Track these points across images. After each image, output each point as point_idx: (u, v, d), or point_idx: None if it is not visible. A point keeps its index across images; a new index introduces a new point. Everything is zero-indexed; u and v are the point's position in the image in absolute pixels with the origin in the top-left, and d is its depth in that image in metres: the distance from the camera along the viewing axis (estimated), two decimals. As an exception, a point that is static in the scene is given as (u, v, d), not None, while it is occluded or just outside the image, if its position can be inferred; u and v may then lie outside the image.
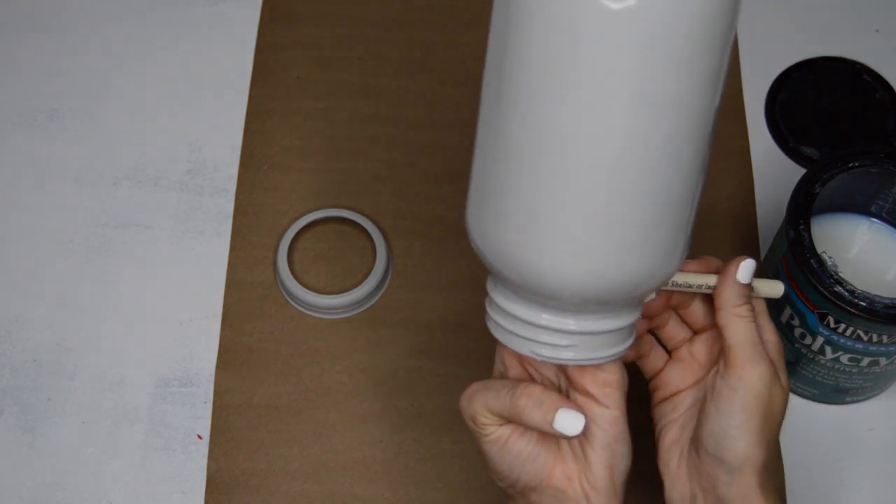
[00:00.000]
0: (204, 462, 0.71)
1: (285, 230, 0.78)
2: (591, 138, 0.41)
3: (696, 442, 0.51)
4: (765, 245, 0.77)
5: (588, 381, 0.49)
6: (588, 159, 0.41)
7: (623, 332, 0.48)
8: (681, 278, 0.51)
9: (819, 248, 0.62)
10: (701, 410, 0.51)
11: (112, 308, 0.76)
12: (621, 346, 0.48)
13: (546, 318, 0.46)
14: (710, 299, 0.52)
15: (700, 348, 0.54)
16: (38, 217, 0.80)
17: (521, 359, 0.52)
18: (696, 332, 0.54)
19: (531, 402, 0.48)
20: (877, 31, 0.87)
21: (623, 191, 0.42)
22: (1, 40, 0.88)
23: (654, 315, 0.54)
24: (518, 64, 0.42)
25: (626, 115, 0.41)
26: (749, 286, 0.51)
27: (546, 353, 0.47)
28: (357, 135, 0.83)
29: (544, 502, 0.49)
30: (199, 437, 0.72)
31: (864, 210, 0.68)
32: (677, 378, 0.54)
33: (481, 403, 0.49)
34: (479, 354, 0.72)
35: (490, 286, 0.49)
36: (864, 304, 0.59)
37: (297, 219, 0.78)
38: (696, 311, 0.54)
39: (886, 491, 0.69)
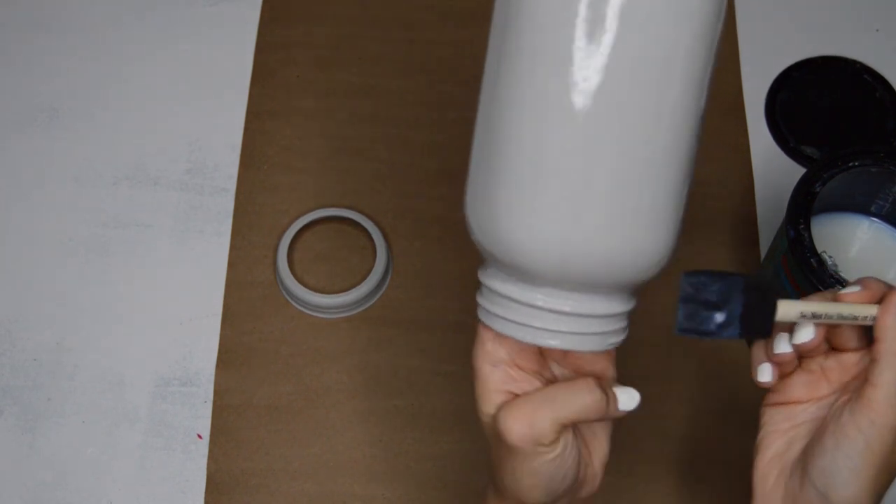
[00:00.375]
0: (204, 462, 0.71)
1: (285, 230, 0.78)
2: (575, 111, 0.41)
3: (802, 467, 0.47)
4: (765, 244, 0.77)
5: (595, 362, 0.49)
6: (572, 132, 0.42)
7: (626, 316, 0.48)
8: (837, 309, 0.46)
9: (819, 248, 0.62)
10: (817, 437, 0.47)
11: (112, 308, 0.76)
12: (623, 334, 0.48)
13: (616, 304, 0.46)
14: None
15: (834, 366, 0.48)
16: (39, 217, 0.80)
17: (532, 368, 0.49)
18: (833, 348, 0.49)
19: (604, 393, 0.46)
20: (877, 30, 0.87)
21: (605, 167, 0.42)
22: (1, 40, 0.88)
23: (813, 355, 0.49)
24: (515, 39, 0.42)
25: (612, 87, 0.41)
26: None
27: (617, 338, 0.47)
28: (357, 134, 0.83)
29: (563, 501, 0.48)
30: (199, 436, 0.72)
31: (864, 209, 0.68)
32: (800, 388, 0.49)
33: (550, 418, 0.45)
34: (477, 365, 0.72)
35: (535, 295, 0.46)
36: (864, 303, 0.59)
37: (297, 218, 0.78)
38: (843, 329, 0.48)
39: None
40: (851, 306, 0.46)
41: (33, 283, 0.77)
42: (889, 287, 0.46)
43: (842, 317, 0.46)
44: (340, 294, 0.75)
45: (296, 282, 0.75)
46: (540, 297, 0.45)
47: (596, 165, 0.42)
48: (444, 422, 0.72)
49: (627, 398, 0.48)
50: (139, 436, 0.72)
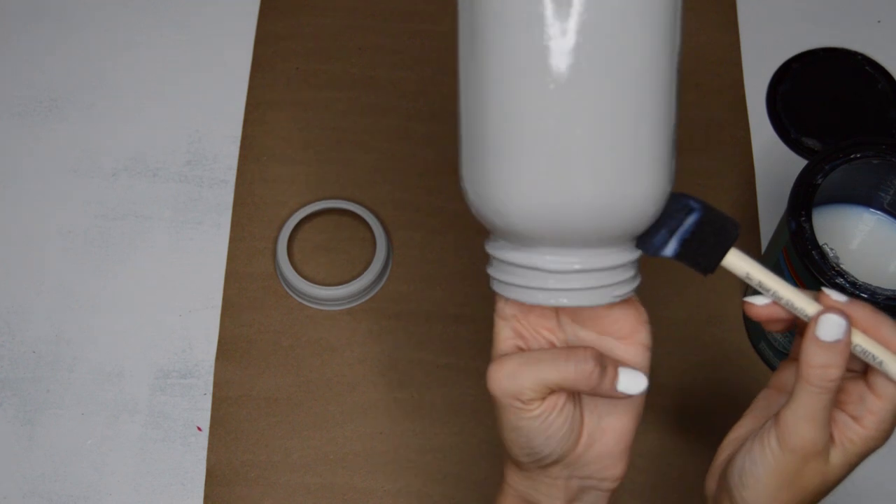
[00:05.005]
0: (203, 454, 0.71)
1: (285, 221, 0.78)
2: (546, 72, 0.41)
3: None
4: (766, 237, 0.77)
5: (632, 322, 0.48)
6: (544, 91, 0.41)
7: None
8: (780, 288, 0.45)
9: (820, 240, 0.62)
10: (746, 442, 0.47)
11: (111, 299, 0.76)
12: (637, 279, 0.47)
13: (613, 257, 0.45)
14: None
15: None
16: (37, 208, 0.80)
17: (540, 326, 0.48)
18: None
19: (598, 366, 0.45)
20: (878, 21, 0.87)
21: (582, 123, 0.42)
22: (0, 30, 0.88)
23: (775, 329, 0.48)
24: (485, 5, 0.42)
25: (581, 44, 0.41)
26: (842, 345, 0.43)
27: (619, 291, 0.45)
28: (357, 126, 0.82)
29: (564, 473, 0.48)
30: (199, 428, 0.72)
31: (865, 201, 0.68)
32: (786, 376, 0.49)
33: (533, 377, 0.45)
34: (480, 346, 0.72)
35: (542, 259, 0.45)
36: (865, 296, 0.59)
37: (296, 210, 0.78)
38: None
39: (889, 482, 0.69)
40: (793, 293, 0.45)
41: (32, 274, 0.77)
42: (838, 308, 0.44)
43: (788, 303, 0.45)
44: (340, 286, 0.74)
45: (295, 274, 0.75)
46: (523, 255, 0.45)
47: (572, 122, 0.42)
48: (445, 414, 0.72)
49: (629, 381, 0.46)
50: (138, 428, 0.72)
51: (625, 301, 0.48)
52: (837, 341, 0.43)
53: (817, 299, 0.45)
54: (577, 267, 0.45)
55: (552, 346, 0.49)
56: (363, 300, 0.76)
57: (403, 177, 0.80)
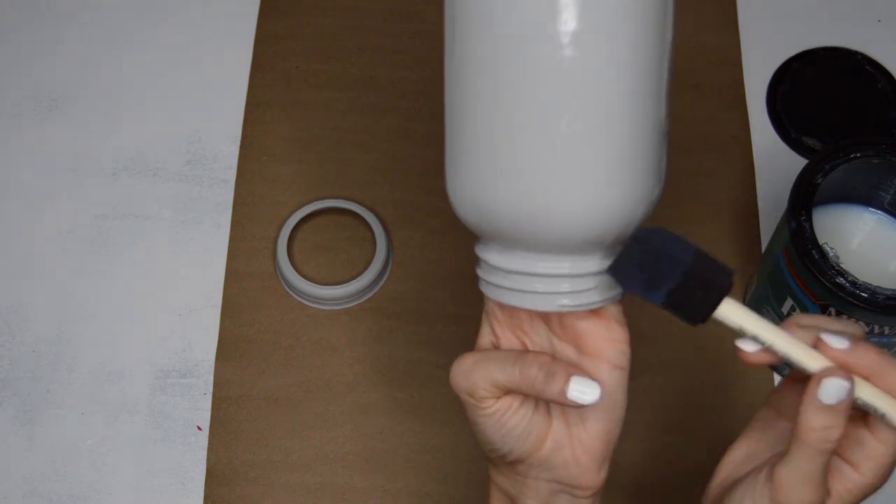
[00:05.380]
0: (203, 454, 0.71)
1: (285, 221, 0.78)
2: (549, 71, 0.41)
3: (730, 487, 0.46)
4: (766, 236, 0.77)
5: (599, 338, 0.46)
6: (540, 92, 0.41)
7: None
8: (779, 343, 0.42)
9: (821, 240, 0.62)
10: (745, 474, 0.46)
11: (111, 299, 0.76)
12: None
13: (566, 264, 0.44)
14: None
15: None
16: (37, 207, 0.80)
17: (514, 328, 0.49)
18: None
19: (542, 371, 0.45)
20: (879, 21, 0.87)
21: (557, 128, 0.41)
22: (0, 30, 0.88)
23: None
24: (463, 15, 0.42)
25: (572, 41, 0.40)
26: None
27: (568, 301, 0.45)
28: (357, 125, 0.82)
29: (530, 473, 0.49)
30: (199, 428, 0.72)
31: (865, 201, 0.68)
32: (790, 402, 0.47)
33: (483, 377, 0.46)
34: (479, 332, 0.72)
35: (484, 250, 0.47)
36: (865, 295, 0.59)
37: (296, 209, 0.78)
38: None
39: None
40: (792, 346, 0.42)
41: (32, 274, 0.77)
42: (841, 363, 0.41)
43: (786, 356, 0.42)
44: (340, 285, 0.74)
45: (295, 273, 0.75)
46: (480, 248, 0.47)
47: (545, 126, 0.41)
48: (445, 414, 0.72)
49: (579, 390, 0.45)
50: (138, 427, 0.72)
51: (597, 317, 0.47)
52: (840, 402, 0.40)
53: (815, 346, 0.42)
54: (518, 268, 0.45)
55: (523, 347, 0.49)
56: (363, 300, 0.76)
57: (403, 177, 0.80)
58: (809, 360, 0.42)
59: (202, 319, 0.75)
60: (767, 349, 0.42)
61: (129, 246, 0.78)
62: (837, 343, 0.42)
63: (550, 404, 0.48)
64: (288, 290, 0.76)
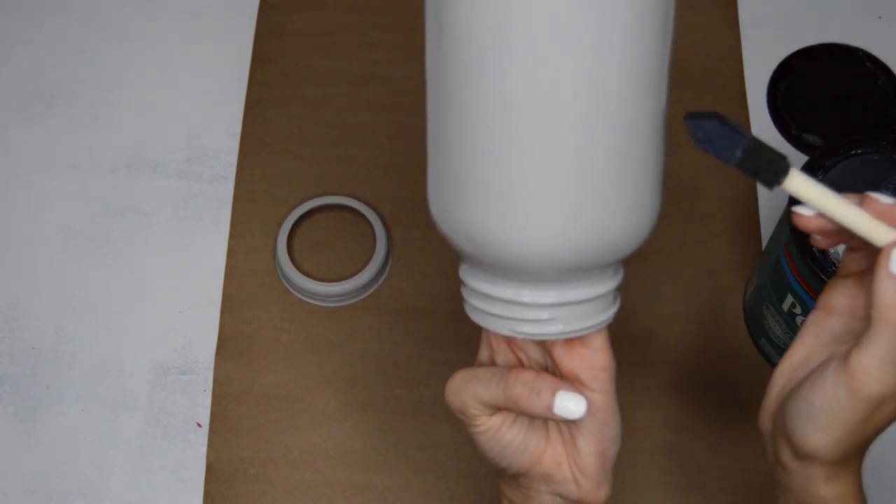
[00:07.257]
0: (203, 450, 0.71)
1: (285, 218, 0.78)
2: (537, 95, 0.40)
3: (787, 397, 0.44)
4: (766, 233, 0.77)
5: (577, 366, 0.46)
6: (537, 117, 0.40)
7: (606, 298, 0.45)
8: (848, 218, 0.41)
9: (821, 236, 0.61)
10: (805, 376, 0.44)
11: (111, 296, 0.76)
12: (606, 315, 0.46)
13: (525, 293, 0.44)
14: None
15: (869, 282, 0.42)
16: (37, 204, 0.80)
17: (509, 342, 0.49)
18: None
19: (526, 389, 0.45)
20: (879, 17, 0.87)
21: (569, 149, 0.41)
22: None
23: (824, 245, 0.44)
24: (459, 29, 0.42)
25: (572, 68, 0.39)
26: None
27: (529, 329, 0.45)
28: (357, 122, 0.82)
29: (533, 486, 0.49)
30: (199, 425, 0.72)
31: (866, 198, 0.68)
32: (840, 297, 0.45)
33: (470, 395, 0.47)
34: (479, 342, 0.72)
35: (464, 271, 0.48)
36: (866, 292, 0.59)
37: (296, 206, 0.78)
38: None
39: (878, 479, 0.69)
40: (866, 221, 0.40)
41: (32, 270, 0.77)
42: None
43: (851, 227, 0.40)
44: (340, 282, 0.74)
45: (295, 270, 0.75)
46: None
47: (547, 155, 0.41)
48: (445, 410, 0.71)
49: (565, 405, 0.45)
50: (138, 424, 0.72)
51: (573, 344, 0.46)
52: None
53: (862, 204, 0.41)
54: (481, 288, 0.45)
55: (518, 362, 0.49)
56: (363, 296, 0.76)
57: (404, 173, 0.80)
58: (879, 230, 0.40)
59: (202, 316, 0.75)
60: (823, 215, 0.41)
61: (129, 243, 0.78)
62: (886, 199, 0.41)
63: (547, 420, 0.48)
64: (288, 286, 0.76)
